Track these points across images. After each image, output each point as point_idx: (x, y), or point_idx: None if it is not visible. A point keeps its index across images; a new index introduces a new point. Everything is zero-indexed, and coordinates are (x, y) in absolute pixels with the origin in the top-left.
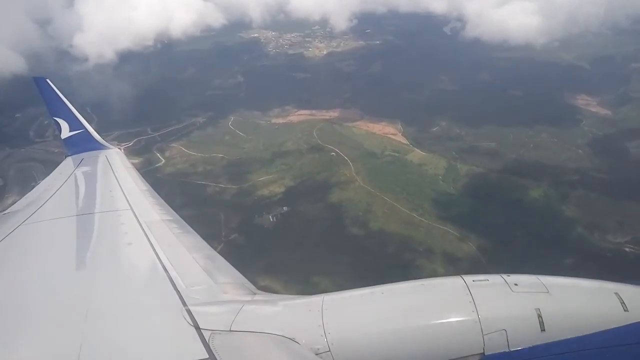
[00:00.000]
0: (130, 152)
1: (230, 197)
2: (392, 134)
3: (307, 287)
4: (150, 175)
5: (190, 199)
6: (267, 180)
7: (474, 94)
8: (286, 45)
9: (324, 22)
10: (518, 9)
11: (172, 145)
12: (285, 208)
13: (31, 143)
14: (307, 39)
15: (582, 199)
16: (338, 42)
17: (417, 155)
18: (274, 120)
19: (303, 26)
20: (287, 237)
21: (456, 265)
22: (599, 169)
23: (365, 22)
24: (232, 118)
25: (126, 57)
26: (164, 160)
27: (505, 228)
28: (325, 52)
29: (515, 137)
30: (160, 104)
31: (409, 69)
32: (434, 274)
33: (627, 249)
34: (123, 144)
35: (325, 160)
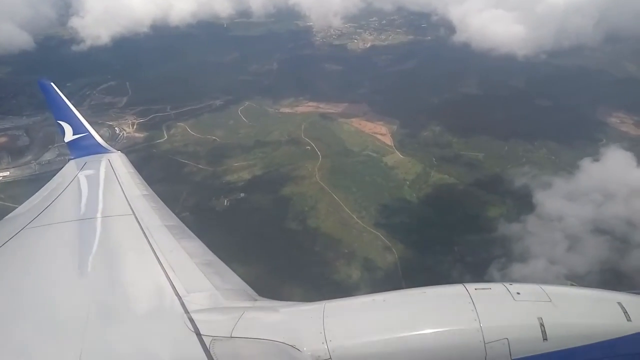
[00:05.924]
0: (141, 127)
1: (201, 178)
2: (380, 134)
3: None
4: (147, 149)
5: (165, 176)
6: (240, 166)
7: (496, 100)
8: (334, 35)
9: (381, 14)
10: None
11: (180, 124)
12: (242, 194)
13: None
14: (358, 30)
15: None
16: (388, 35)
17: (394, 157)
18: (282, 110)
19: (360, 17)
20: (230, 222)
21: (373, 273)
22: None
23: (424, 17)
24: (246, 103)
25: (175, 37)
26: (166, 137)
27: (441, 243)
28: (368, 45)
29: (510, 150)
30: (191, 85)
31: (443, 68)
32: (347, 278)
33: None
34: (140, 119)
35: (297, 154)
